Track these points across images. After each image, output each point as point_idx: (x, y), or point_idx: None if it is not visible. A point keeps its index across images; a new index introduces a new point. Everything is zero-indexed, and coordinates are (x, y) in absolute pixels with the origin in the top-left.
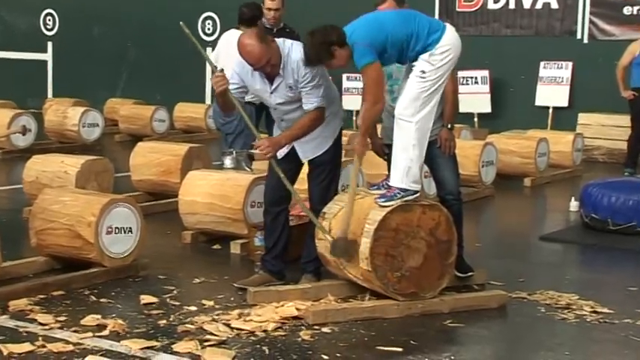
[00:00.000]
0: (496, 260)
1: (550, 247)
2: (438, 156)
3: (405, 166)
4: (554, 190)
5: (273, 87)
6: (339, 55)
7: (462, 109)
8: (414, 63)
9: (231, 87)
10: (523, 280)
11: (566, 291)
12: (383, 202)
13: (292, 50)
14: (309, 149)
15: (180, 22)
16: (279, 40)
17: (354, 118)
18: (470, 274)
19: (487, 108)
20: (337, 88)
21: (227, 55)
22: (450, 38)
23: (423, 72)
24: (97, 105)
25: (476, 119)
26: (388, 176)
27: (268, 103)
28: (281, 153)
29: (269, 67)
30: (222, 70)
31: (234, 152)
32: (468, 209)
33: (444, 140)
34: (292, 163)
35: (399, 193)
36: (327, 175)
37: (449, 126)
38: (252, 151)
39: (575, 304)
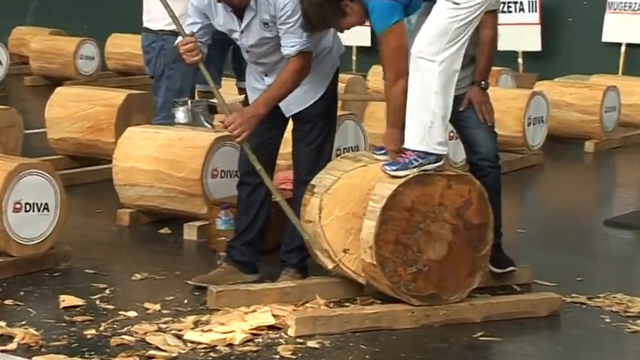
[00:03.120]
0: (545, 252)
1: (618, 234)
2: (466, 110)
3: (426, 121)
4: (625, 157)
5: (244, 24)
6: (351, 11)
7: (502, 46)
8: None
9: (187, 30)
10: (582, 280)
11: (639, 294)
12: (393, 169)
13: None
14: (294, 100)
15: None
16: None
17: (353, 57)
18: (510, 269)
19: (536, 45)
20: None
21: None
22: None
23: None
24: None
25: (520, 60)
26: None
27: (239, 44)
28: None
29: None
30: (193, 34)
31: (188, 102)
32: (508, 183)
33: (477, 104)
34: (272, 120)
35: (416, 159)
36: (319, 135)
37: (482, 84)
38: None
39: None
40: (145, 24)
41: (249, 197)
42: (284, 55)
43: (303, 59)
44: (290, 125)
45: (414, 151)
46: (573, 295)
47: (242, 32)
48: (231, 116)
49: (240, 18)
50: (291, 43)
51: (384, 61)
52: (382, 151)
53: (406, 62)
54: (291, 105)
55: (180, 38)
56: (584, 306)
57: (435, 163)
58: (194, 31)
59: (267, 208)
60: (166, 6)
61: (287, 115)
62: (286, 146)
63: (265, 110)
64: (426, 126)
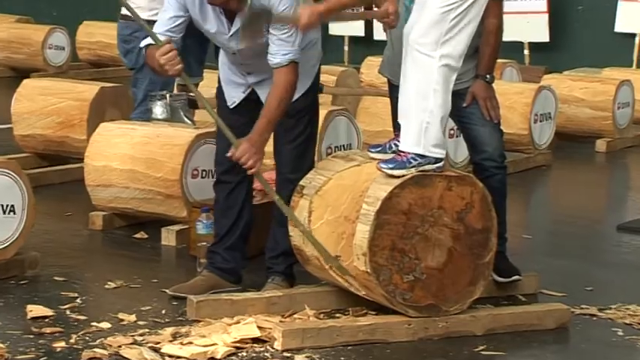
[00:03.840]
0: (553, 259)
1: (632, 240)
2: (469, 106)
3: (422, 121)
4: (639, 157)
5: (234, 29)
6: None
7: (507, 36)
8: None
9: (165, 26)
10: (592, 289)
11: None
12: (390, 168)
13: None
14: None
15: None
16: None
17: (345, 48)
18: (515, 278)
19: (543, 35)
20: None
21: None
22: None
23: None
24: None
25: (527, 52)
26: (396, 134)
27: (225, 47)
28: (234, 99)
29: (234, 2)
30: (169, 41)
31: (167, 96)
32: (513, 184)
33: (481, 100)
34: (249, 113)
35: (414, 158)
36: (304, 131)
37: (486, 78)
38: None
39: None
40: (125, 12)
41: (229, 197)
42: (272, 65)
43: (294, 69)
44: None
45: (411, 153)
46: (583, 306)
47: (231, 36)
48: (241, 147)
49: (231, 21)
50: (283, 52)
51: None
52: (377, 149)
53: None
54: None
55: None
56: (594, 318)
57: (434, 163)
58: (175, 25)
59: (250, 209)
60: (134, 14)
61: None
62: (268, 145)
63: (268, 135)
64: (422, 126)
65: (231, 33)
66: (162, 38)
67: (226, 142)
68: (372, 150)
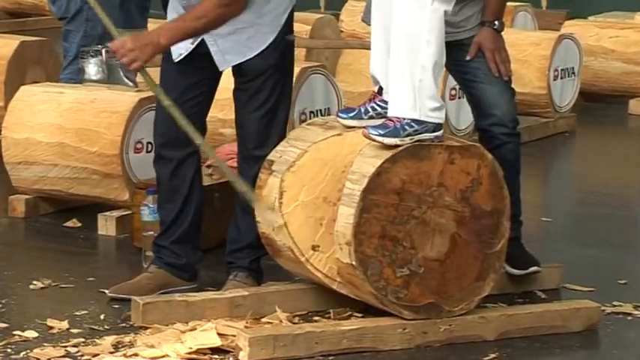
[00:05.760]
0: (579, 247)
1: None
2: (474, 59)
3: (415, 79)
4: None
5: None
6: None
7: None
8: None
9: None
10: (626, 283)
11: None
12: (380, 135)
13: None
14: (233, 48)
15: None
16: None
17: None
18: (533, 270)
19: None
20: None
21: None
22: None
23: None
24: None
25: None
26: (374, 94)
27: None
28: (180, 51)
29: None
30: None
31: (102, 51)
32: (530, 156)
33: (488, 51)
34: (199, 72)
35: (410, 124)
36: (271, 95)
37: (494, 24)
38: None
39: None
40: None
41: (173, 177)
42: None
43: None
44: (226, 82)
45: (404, 118)
46: (615, 303)
47: None
48: (120, 39)
49: None
50: None
51: None
52: (350, 114)
53: None
54: (230, 54)
55: None
56: (629, 317)
57: (433, 131)
58: None
59: (200, 190)
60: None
61: (222, 68)
62: (230, 112)
63: (168, 42)
64: (415, 86)
65: None
66: None
67: (164, 111)
68: (343, 115)
